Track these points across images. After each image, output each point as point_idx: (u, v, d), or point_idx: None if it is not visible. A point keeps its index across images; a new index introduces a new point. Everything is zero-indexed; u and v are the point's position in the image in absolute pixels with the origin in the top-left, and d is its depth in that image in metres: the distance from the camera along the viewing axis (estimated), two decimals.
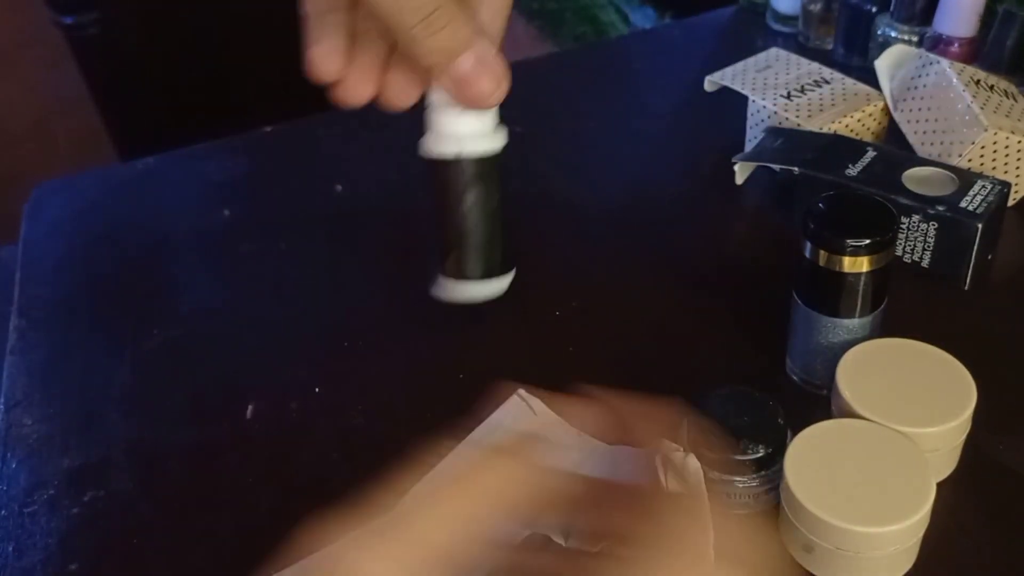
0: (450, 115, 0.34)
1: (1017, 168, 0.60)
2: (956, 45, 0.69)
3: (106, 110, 1.20)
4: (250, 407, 0.52)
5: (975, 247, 0.53)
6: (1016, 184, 0.60)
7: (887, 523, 0.37)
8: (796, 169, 0.59)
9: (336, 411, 0.51)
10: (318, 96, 0.38)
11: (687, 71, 0.77)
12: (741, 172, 0.65)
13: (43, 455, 0.51)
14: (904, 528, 0.37)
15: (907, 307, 0.56)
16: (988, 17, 0.68)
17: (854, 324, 0.46)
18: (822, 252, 0.45)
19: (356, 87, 0.34)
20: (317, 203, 0.69)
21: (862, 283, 0.45)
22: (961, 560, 0.41)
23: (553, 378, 0.50)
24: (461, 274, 0.40)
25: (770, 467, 0.41)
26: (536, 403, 0.46)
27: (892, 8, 0.74)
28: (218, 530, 0.46)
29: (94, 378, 0.56)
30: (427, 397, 0.52)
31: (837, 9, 0.79)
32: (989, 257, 0.56)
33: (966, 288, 0.55)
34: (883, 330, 0.49)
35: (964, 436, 0.43)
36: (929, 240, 0.55)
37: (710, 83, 0.69)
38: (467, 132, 0.35)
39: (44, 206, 0.72)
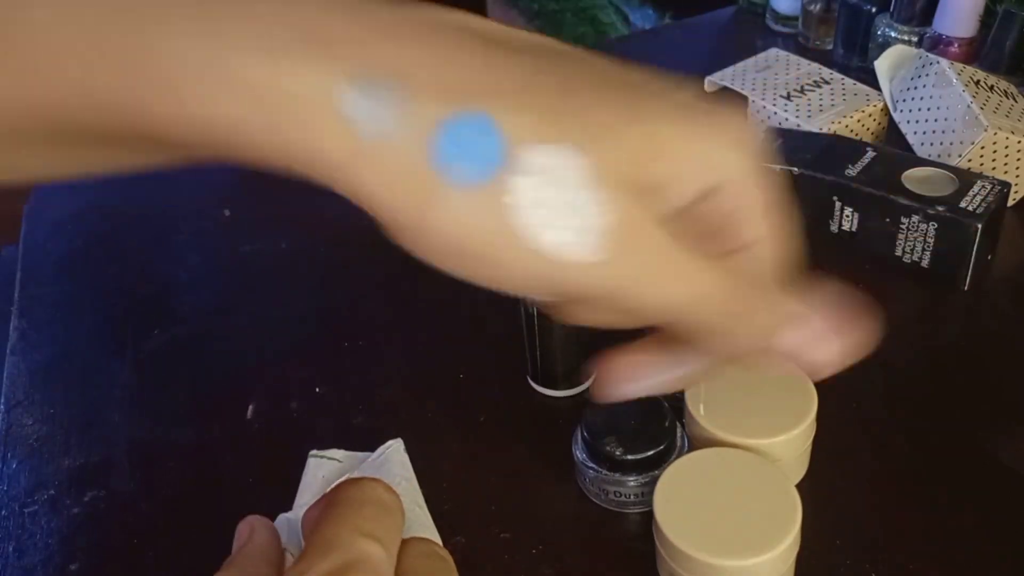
0: None
1: (1017, 168, 0.60)
2: (956, 45, 0.69)
3: None
4: (250, 407, 0.52)
5: (975, 247, 0.53)
6: (1016, 184, 0.60)
7: (754, 555, 0.37)
8: (796, 169, 0.59)
9: (336, 411, 0.51)
10: None
11: (687, 72, 0.77)
12: None
13: (44, 455, 0.51)
14: (771, 558, 0.37)
15: (907, 307, 0.57)
16: (988, 17, 0.68)
17: None
18: None
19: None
20: (318, 203, 0.69)
21: None
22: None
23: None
24: (544, 384, 0.51)
25: (660, 467, 0.42)
26: (334, 452, 0.46)
27: (892, 8, 0.74)
28: (218, 530, 0.46)
29: (94, 378, 0.56)
30: (427, 397, 0.52)
31: (837, 9, 0.79)
32: (989, 257, 0.56)
33: (966, 288, 0.55)
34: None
35: (811, 440, 0.44)
36: (929, 240, 0.55)
37: (710, 83, 0.69)
38: None
39: (45, 206, 0.72)
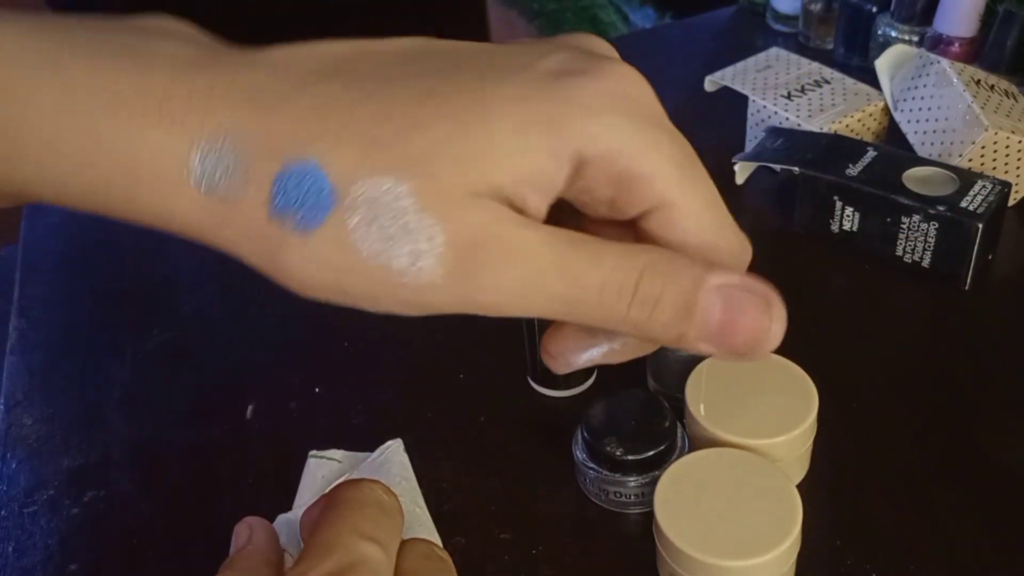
0: None
1: (1017, 168, 0.59)
2: (956, 45, 0.69)
3: None
4: (250, 407, 0.52)
5: (975, 247, 0.53)
6: (1016, 184, 0.59)
7: (754, 556, 0.37)
8: (796, 169, 0.59)
9: (335, 411, 0.51)
10: None
11: (687, 71, 0.77)
12: (741, 172, 0.65)
13: (43, 455, 0.51)
14: (772, 559, 0.37)
15: (907, 307, 0.57)
16: (988, 17, 0.68)
17: None
18: None
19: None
20: None
21: None
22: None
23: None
24: (544, 384, 0.51)
25: (660, 467, 0.42)
26: (333, 452, 0.46)
27: (892, 8, 0.74)
28: (218, 530, 0.46)
29: (94, 378, 0.56)
30: (427, 397, 0.52)
31: (837, 9, 0.79)
32: (989, 257, 0.56)
33: (966, 288, 0.55)
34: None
35: (811, 441, 0.43)
36: (929, 240, 0.55)
37: (710, 83, 0.69)
38: None
39: (44, 207, 0.72)
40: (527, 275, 0.23)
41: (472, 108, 0.23)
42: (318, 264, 0.24)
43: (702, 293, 0.24)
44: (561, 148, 0.23)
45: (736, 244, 0.26)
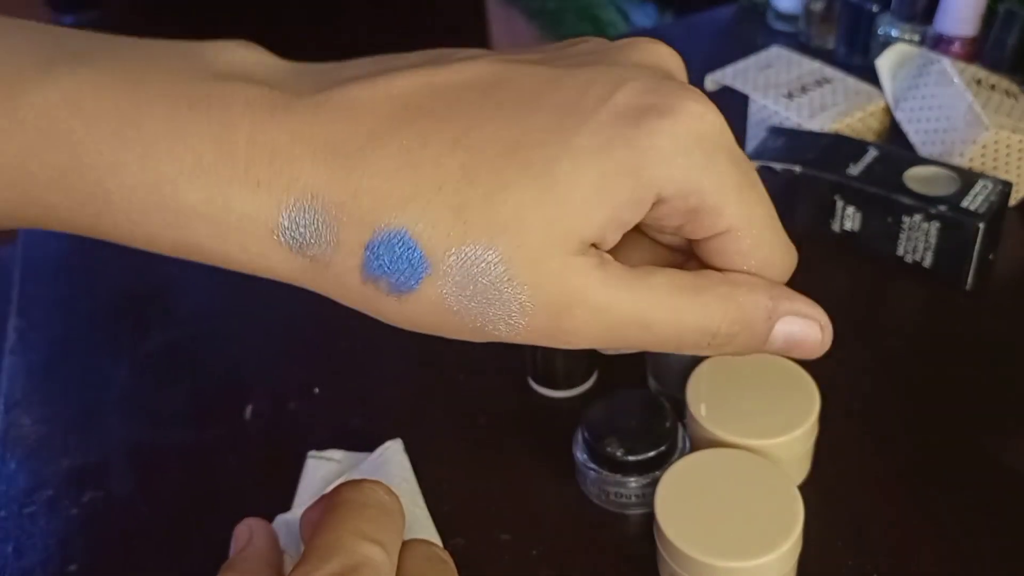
0: None
1: (1018, 168, 0.59)
2: (957, 44, 0.69)
3: None
4: (249, 408, 0.52)
5: (976, 247, 0.53)
6: (1017, 184, 0.59)
7: (756, 557, 0.36)
8: (797, 168, 0.59)
9: (335, 412, 0.51)
10: None
11: (688, 70, 0.76)
12: None
13: (42, 456, 0.50)
14: (773, 560, 0.37)
15: (909, 307, 0.56)
16: (989, 16, 0.68)
17: None
18: None
19: None
20: None
21: None
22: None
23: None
24: (544, 384, 0.51)
25: (661, 467, 0.42)
26: (333, 453, 0.46)
27: (893, 7, 0.74)
28: (217, 531, 0.46)
29: (93, 379, 0.55)
30: (427, 397, 0.52)
31: (838, 8, 0.79)
32: (991, 257, 0.56)
33: (967, 288, 0.55)
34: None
35: (813, 441, 0.43)
36: (930, 240, 0.55)
37: (711, 82, 0.69)
38: None
39: None
40: (611, 327, 0.25)
41: (557, 163, 0.24)
42: (418, 318, 0.25)
43: (771, 330, 0.27)
44: (642, 195, 0.24)
45: (788, 256, 0.28)
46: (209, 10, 1.17)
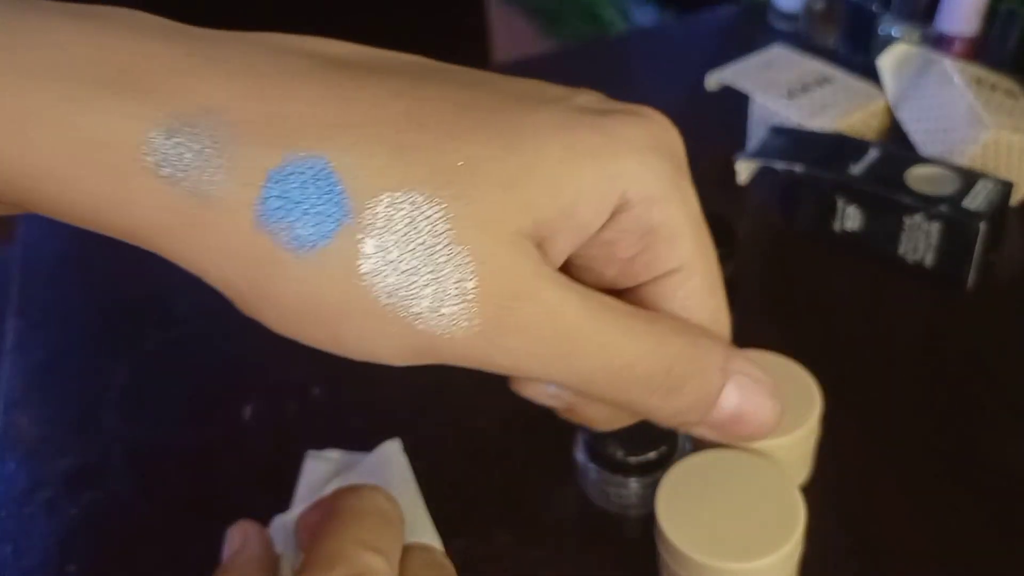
0: None
1: (1019, 168, 0.59)
2: (958, 44, 0.69)
3: None
4: (248, 408, 0.52)
5: (978, 246, 0.53)
6: (1018, 183, 0.59)
7: (757, 558, 0.36)
8: (799, 168, 0.59)
9: (333, 412, 0.51)
10: None
11: (688, 69, 0.76)
12: (744, 171, 0.65)
13: (41, 456, 0.50)
14: (775, 561, 0.36)
15: (910, 307, 0.56)
16: (990, 16, 0.68)
17: None
18: None
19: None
20: None
21: None
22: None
23: None
24: None
25: (662, 469, 0.41)
26: (331, 452, 0.46)
27: (894, 6, 0.74)
28: (216, 531, 0.45)
29: (92, 379, 0.55)
30: (427, 397, 0.52)
31: (839, 7, 0.79)
32: (992, 257, 0.56)
33: (969, 287, 0.55)
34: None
35: (814, 442, 0.43)
36: (932, 240, 0.54)
37: (712, 81, 0.69)
38: None
39: None
40: (563, 347, 0.20)
41: (518, 127, 0.20)
42: (309, 295, 0.19)
43: (723, 387, 0.23)
44: (607, 186, 0.21)
45: (726, 312, 0.24)
46: (209, 10, 1.17)
